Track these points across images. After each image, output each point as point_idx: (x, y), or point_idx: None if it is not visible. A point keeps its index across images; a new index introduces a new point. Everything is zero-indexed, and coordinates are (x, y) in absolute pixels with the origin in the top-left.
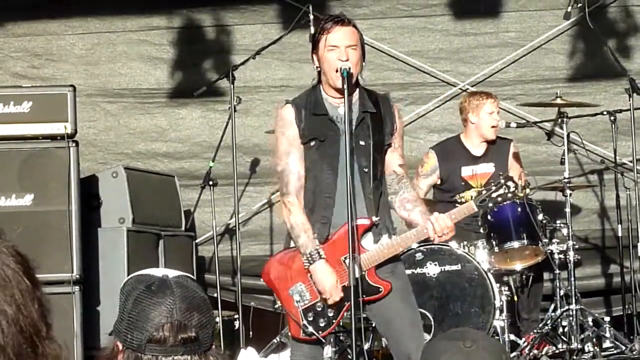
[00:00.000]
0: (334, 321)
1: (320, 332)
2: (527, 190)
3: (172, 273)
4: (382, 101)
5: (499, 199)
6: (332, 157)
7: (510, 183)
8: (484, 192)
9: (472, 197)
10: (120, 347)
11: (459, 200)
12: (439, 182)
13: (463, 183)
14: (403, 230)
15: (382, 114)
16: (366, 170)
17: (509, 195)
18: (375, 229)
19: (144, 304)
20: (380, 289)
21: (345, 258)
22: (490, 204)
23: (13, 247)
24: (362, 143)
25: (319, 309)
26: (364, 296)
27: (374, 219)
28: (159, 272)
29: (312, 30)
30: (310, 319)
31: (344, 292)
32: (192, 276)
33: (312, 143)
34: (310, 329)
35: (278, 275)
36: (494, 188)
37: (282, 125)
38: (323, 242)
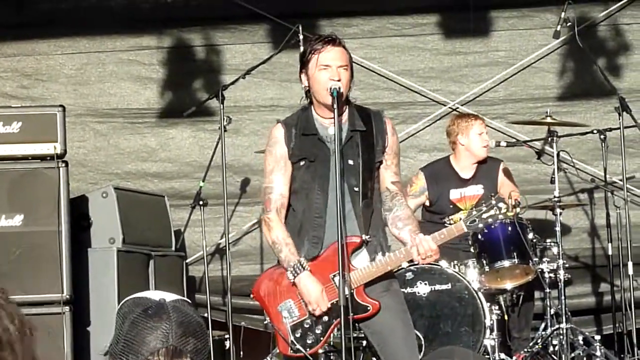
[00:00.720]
0: (321, 338)
1: (307, 349)
2: (518, 210)
3: (169, 297)
4: (374, 118)
5: (490, 219)
6: (323, 177)
7: (501, 204)
8: (474, 212)
9: (460, 219)
10: None
11: (448, 223)
12: (427, 203)
13: (451, 206)
14: (398, 247)
15: (373, 132)
16: (356, 189)
17: (500, 216)
18: (369, 247)
19: (140, 327)
20: (369, 308)
21: (334, 275)
22: (480, 225)
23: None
24: (350, 162)
25: (307, 326)
26: (352, 314)
27: (364, 237)
28: (156, 295)
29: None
30: (298, 335)
31: (333, 309)
32: (188, 300)
33: (302, 163)
34: (298, 345)
35: (267, 291)
36: (484, 208)
37: (271, 144)
38: (312, 260)
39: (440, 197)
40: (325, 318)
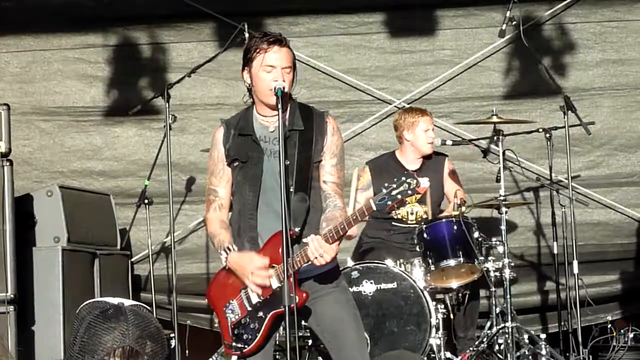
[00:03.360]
0: (257, 334)
1: (245, 346)
2: (463, 208)
3: (127, 302)
4: (315, 117)
5: (399, 196)
6: (254, 178)
7: (410, 180)
8: (383, 190)
9: (407, 212)
10: None
11: (395, 217)
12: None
13: None
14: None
15: (313, 131)
16: (291, 189)
17: (409, 192)
18: (301, 245)
19: (97, 329)
20: (296, 299)
21: (271, 268)
22: (389, 202)
23: None
24: (287, 162)
25: (244, 323)
26: (281, 306)
27: (296, 230)
28: (114, 300)
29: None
30: (237, 333)
31: (267, 303)
32: (147, 306)
33: (236, 164)
34: (236, 344)
35: (216, 293)
36: (393, 186)
37: (212, 146)
38: None
39: None
40: (260, 313)
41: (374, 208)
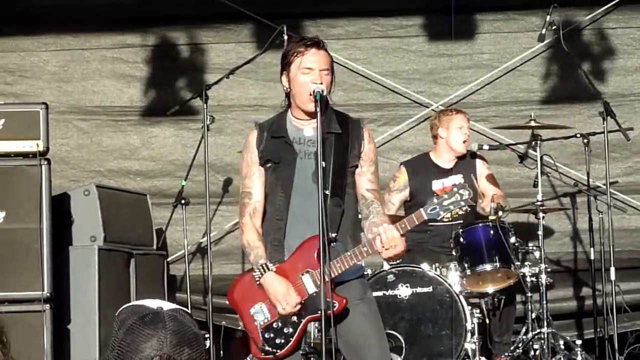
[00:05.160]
0: (291, 339)
1: (278, 351)
2: (500, 213)
3: (167, 306)
4: (351, 124)
5: (451, 206)
6: (286, 179)
7: (463, 191)
8: (435, 200)
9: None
10: None
11: None
12: (409, 197)
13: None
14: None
15: (349, 136)
16: (326, 192)
17: (462, 203)
18: (333, 251)
19: (135, 335)
20: (335, 304)
21: (303, 274)
22: (441, 212)
23: None
24: (322, 164)
25: (277, 327)
26: (318, 312)
27: (331, 235)
28: (154, 303)
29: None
30: (268, 337)
31: (301, 309)
32: (187, 310)
33: (268, 165)
34: (268, 347)
35: (241, 295)
36: (445, 197)
37: (245, 149)
38: (281, 263)
39: (421, 189)
40: (295, 318)
41: (425, 217)
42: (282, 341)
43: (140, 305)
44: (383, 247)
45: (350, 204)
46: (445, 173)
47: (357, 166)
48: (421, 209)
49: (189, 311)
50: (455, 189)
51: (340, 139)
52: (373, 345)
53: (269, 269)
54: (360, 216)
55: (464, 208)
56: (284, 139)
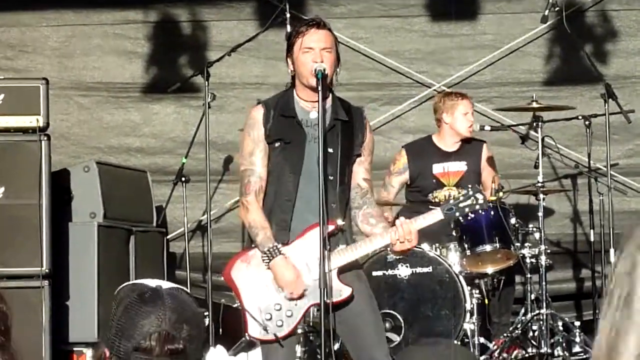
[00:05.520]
0: (291, 323)
1: (278, 333)
2: (500, 194)
3: (165, 284)
4: (354, 112)
5: (467, 209)
6: (296, 160)
7: (479, 195)
8: (451, 200)
9: (445, 196)
10: (108, 354)
11: (433, 200)
12: (409, 181)
13: (435, 181)
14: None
15: (353, 124)
16: (331, 178)
17: (476, 207)
18: (336, 237)
19: (133, 312)
20: (342, 292)
21: (308, 260)
22: (457, 214)
23: None
24: (330, 150)
25: (277, 309)
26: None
27: (339, 222)
28: (153, 282)
29: (289, 28)
30: (268, 317)
31: (306, 293)
32: (186, 289)
33: (277, 144)
34: (269, 328)
35: (239, 273)
36: (461, 198)
37: (250, 125)
38: (284, 244)
39: (422, 172)
40: (296, 302)
41: (441, 217)
42: (282, 323)
43: (139, 284)
44: (398, 239)
45: (349, 192)
46: (448, 156)
47: (360, 155)
48: (438, 208)
49: (188, 289)
50: (471, 192)
51: (346, 126)
52: (368, 325)
53: (280, 253)
54: (352, 205)
55: (479, 212)
56: (295, 119)
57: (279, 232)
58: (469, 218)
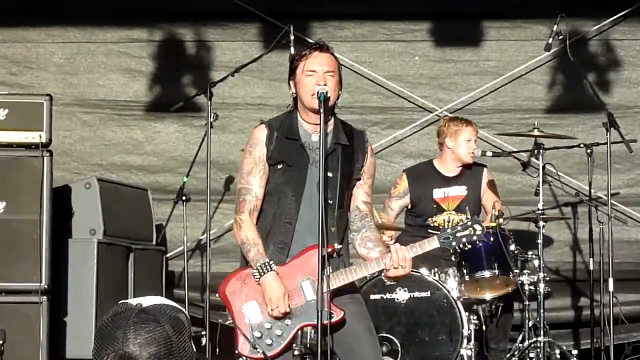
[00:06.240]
0: (282, 342)
1: (267, 351)
2: (500, 220)
3: (147, 302)
4: (356, 135)
5: (464, 239)
6: (298, 183)
7: (477, 226)
8: (448, 230)
9: (444, 221)
10: None
11: (432, 225)
12: (410, 205)
13: (435, 206)
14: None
15: (354, 147)
16: (330, 202)
17: (474, 238)
18: (335, 259)
19: (103, 332)
20: (333, 315)
21: (303, 281)
22: (454, 243)
23: None
24: (329, 175)
25: (268, 328)
26: (313, 320)
27: (336, 246)
28: (134, 300)
29: (292, 50)
30: (258, 336)
31: (296, 314)
32: (170, 304)
33: (279, 166)
34: (256, 346)
35: (233, 290)
36: (459, 228)
37: (252, 145)
38: (280, 265)
39: (423, 197)
40: (288, 322)
41: (438, 245)
42: (272, 342)
43: (121, 303)
44: (392, 265)
45: (348, 217)
46: (448, 182)
47: (360, 178)
48: (435, 237)
49: (186, 308)
50: (469, 223)
51: (346, 151)
52: (364, 345)
53: (271, 269)
54: (350, 227)
55: (476, 243)
56: (298, 142)
57: (276, 253)
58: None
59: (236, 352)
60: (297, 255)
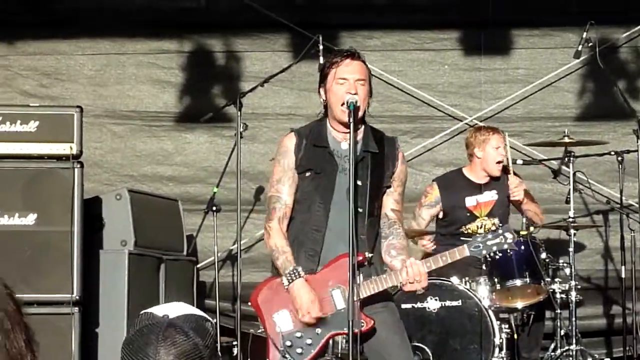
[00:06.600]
0: (312, 350)
1: None
2: (532, 229)
3: (174, 312)
4: (387, 142)
5: (494, 248)
6: (326, 191)
7: (508, 235)
8: (479, 238)
9: (478, 227)
10: None
11: (465, 232)
12: (441, 215)
13: (468, 214)
14: None
15: (384, 155)
16: (360, 210)
17: (505, 246)
18: (367, 268)
19: (132, 348)
20: (362, 324)
21: (333, 289)
22: (484, 252)
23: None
24: (359, 183)
25: (299, 337)
26: (344, 328)
27: (367, 254)
28: (161, 311)
29: (322, 60)
30: (289, 345)
31: (327, 322)
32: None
33: (308, 174)
34: (287, 355)
35: (265, 299)
36: (490, 236)
37: (281, 153)
38: (311, 273)
39: (455, 206)
40: (318, 330)
41: (468, 254)
42: (303, 351)
43: (147, 313)
44: (407, 280)
45: (379, 225)
46: (479, 189)
47: (390, 186)
48: (465, 245)
49: (217, 318)
50: (500, 231)
51: (376, 158)
52: (395, 355)
53: (299, 276)
54: (381, 234)
55: (508, 252)
56: (327, 149)
57: (307, 261)
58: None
59: None
60: (329, 263)
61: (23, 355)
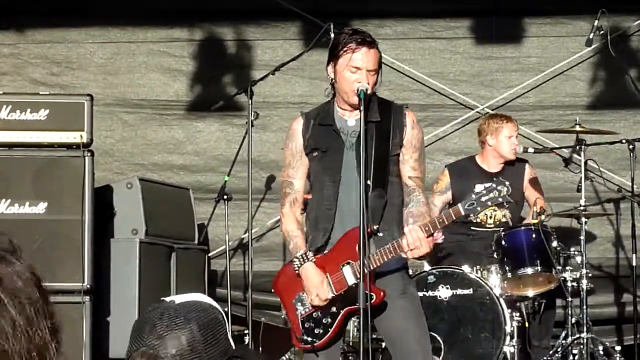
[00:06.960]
0: (329, 329)
1: (316, 341)
2: (543, 217)
3: (181, 298)
4: (394, 110)
5: (488, 203)
6: (333, 168)
7: (501, 187)
8: (473, 195)
9: (487, 216)
10: None
11: (474, 221)
12: (452, 201)
13: None
14: None
15: (391, 124)
16: (367, 182)
17: (499, 199)
18: (379, 241)
19: (134, 332)
20: (373, 297)
21: (344, 266)
22: (479, 208)
23: (28, 263)
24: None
25: (316, 317)
26: (357, 303)
27: (374, 227)
28: (173, 298)
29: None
30: (308, 327)
31: (340, 300)
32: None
33: (315, 154)
34: (307, 337)
35: (284, 285)
36: (483, 192)
37: (288, 137)
38: (321, 254)
39: (465, 192)
40: (334, 308)
41: (462, 213)
42: (321, 331)
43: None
44: (409, 247)
45: (395, 193)
46: (491, 177)
47: (399, 154)
48: (459, 204)
49: (229, 307)
50: (493, 185)
51: (380, 127)
52: (411, 341)
53: (308, 259)
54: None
55: (503, 205)
56: (332, 127)
57: (320, 239)
58: (510, 236)
59: (296, 349)
60: (338, 241)
61: (47, 343)
